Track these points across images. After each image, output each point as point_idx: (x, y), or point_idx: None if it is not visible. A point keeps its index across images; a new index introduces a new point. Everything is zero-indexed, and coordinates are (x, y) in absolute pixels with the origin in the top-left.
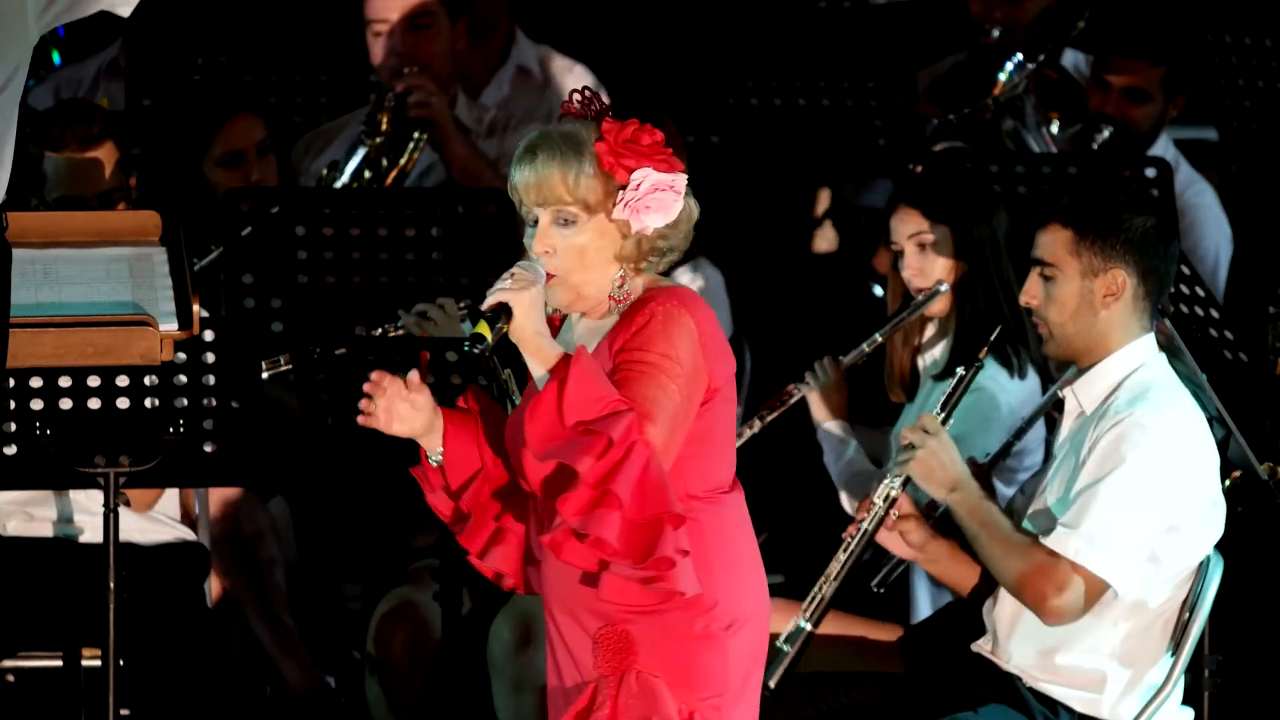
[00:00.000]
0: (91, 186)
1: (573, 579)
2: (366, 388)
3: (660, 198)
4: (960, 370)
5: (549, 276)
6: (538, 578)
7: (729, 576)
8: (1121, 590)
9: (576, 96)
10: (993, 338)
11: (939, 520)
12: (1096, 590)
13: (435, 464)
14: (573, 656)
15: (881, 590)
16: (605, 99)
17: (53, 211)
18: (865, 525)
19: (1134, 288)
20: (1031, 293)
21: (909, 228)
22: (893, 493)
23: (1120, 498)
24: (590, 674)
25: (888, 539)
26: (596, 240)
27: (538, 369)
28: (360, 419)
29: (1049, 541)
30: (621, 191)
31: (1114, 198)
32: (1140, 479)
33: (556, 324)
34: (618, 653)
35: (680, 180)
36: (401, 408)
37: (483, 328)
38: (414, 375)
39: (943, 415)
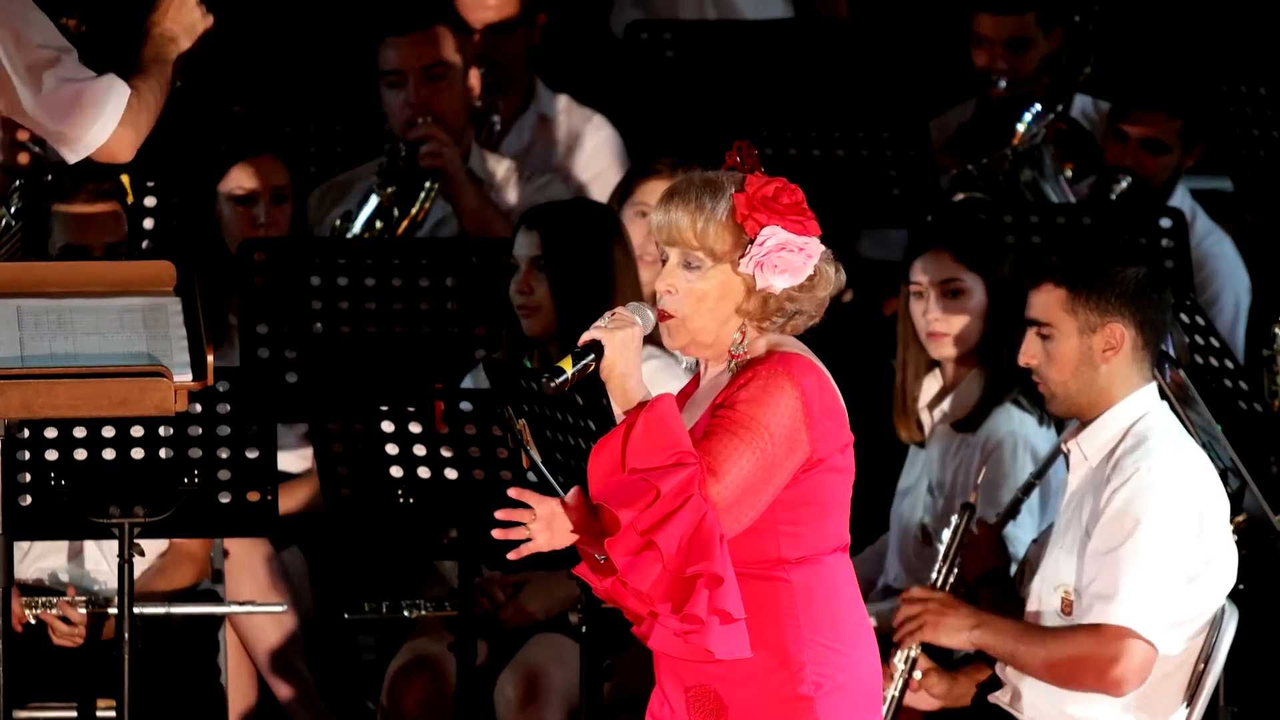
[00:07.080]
0: (97, 237)
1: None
2: (507, 515)
3: (787, 258)
4: (955, 520)
5: (666, 317)
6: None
7: (819, 639)
8: (1162, 650)
9: (736, 146)
10: None
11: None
12: (1148, 655)
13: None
14: (672, 709)
15: None
16: (754, 153)
17: (67, 261)
18: (891, 693)
19: (1133, 339)
20: (1030, 353)
21: (939, 272)
22: (912, 653)
23: (1145, 559)
24: None
25: (915, 700)
26: (719, 289)
27: (618, 410)
28: (512, 554)
29: (1092, 617)
30: (750, 245)
31: (1104, 251)
32: (1158, 537)
33: (697, 382)
34: (710, 712)
35: (812, 244)
36: (560, 521)
37: (565, 362)
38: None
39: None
